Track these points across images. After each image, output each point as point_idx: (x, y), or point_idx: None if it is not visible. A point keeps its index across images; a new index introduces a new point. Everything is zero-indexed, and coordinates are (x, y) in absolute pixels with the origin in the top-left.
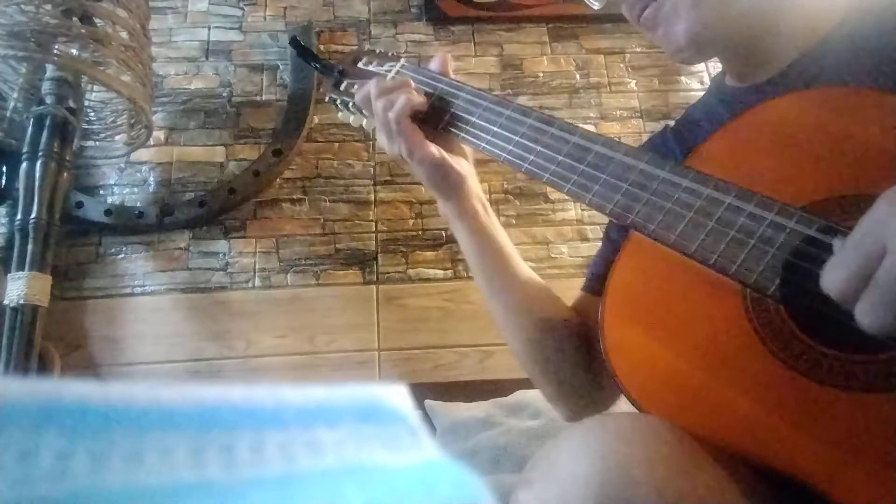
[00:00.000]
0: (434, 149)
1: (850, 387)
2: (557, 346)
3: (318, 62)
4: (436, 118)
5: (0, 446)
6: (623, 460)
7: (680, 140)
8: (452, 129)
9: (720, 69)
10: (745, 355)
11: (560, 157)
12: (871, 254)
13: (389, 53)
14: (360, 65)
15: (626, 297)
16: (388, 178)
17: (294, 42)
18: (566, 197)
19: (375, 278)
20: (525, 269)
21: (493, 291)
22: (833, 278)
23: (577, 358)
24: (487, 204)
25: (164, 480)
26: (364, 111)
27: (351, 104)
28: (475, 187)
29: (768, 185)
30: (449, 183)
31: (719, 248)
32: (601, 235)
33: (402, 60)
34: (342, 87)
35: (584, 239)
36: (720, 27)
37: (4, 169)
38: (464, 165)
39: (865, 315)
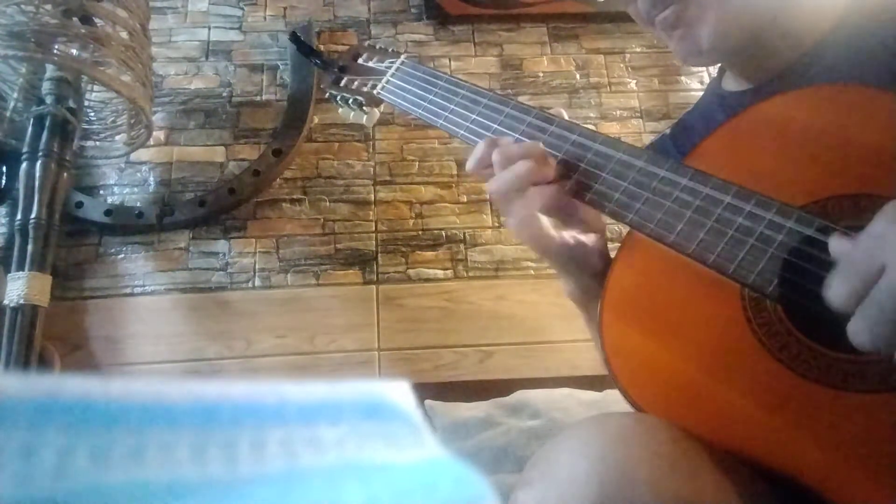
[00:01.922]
0: (569, 238)
1: (849, 387)
2: None
3: (317, 58)
4: None
5: (1, 443)
6: (622, 460)
7: (678, 146)
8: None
9: (717, 72)
10: (743, 355)
11: (560, 155)
12: (870, 270)
13: (390, 50)
14: (360, 61)
15: (624, 296)
16: (388, 178)
17: (294, 38)
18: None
19: (375, 278)
20: None
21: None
22: (835, 293)
23: None
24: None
25: (165, 477)
26: (364, 107)
27: (351, 100)
28: (601, 257)
29: (767, 184)
30: (583, 274)
31: (718, 248)
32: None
33: (403, 57)
34: (342, 84)
35: None
36: (741, 32)
37: (4, 169)
38: (589, 246)
39: (857, 333)
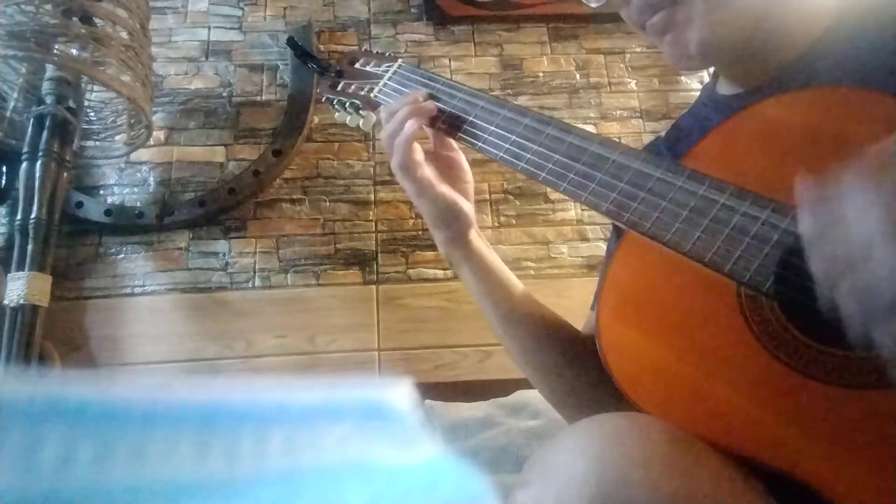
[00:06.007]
0: (446, 189)
1: (846, 384)
2: (575, 374)
3: (315, 62)
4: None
5: (5, 441)
6: (619, 461)
7: (672, 149)
8: (448, 128)
9: (711, 76)
10: (740, 353)
11: (556, 157)
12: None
13: (386, 54)
14: (357, 65)
15: (622, 296)
16: (388, 178)
17: (291, 42)
18: (566, 197)
19: (375, 278)
20: (530, 300)
21: (501, 325)
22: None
23: (596, 382)
24: (483, 237)
25: (168, 475)
26: (361, 111)
27: (348, 104)
28: (474, 221)
29: (762, 185)
30: (459, 225)
31: (714, 247)
32: (601, 235)
33: (399, 61)
34: (339, 88)
35: (584, 239)
36: (730, 36)
37: (4, 169)
38: (465, 205)
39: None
